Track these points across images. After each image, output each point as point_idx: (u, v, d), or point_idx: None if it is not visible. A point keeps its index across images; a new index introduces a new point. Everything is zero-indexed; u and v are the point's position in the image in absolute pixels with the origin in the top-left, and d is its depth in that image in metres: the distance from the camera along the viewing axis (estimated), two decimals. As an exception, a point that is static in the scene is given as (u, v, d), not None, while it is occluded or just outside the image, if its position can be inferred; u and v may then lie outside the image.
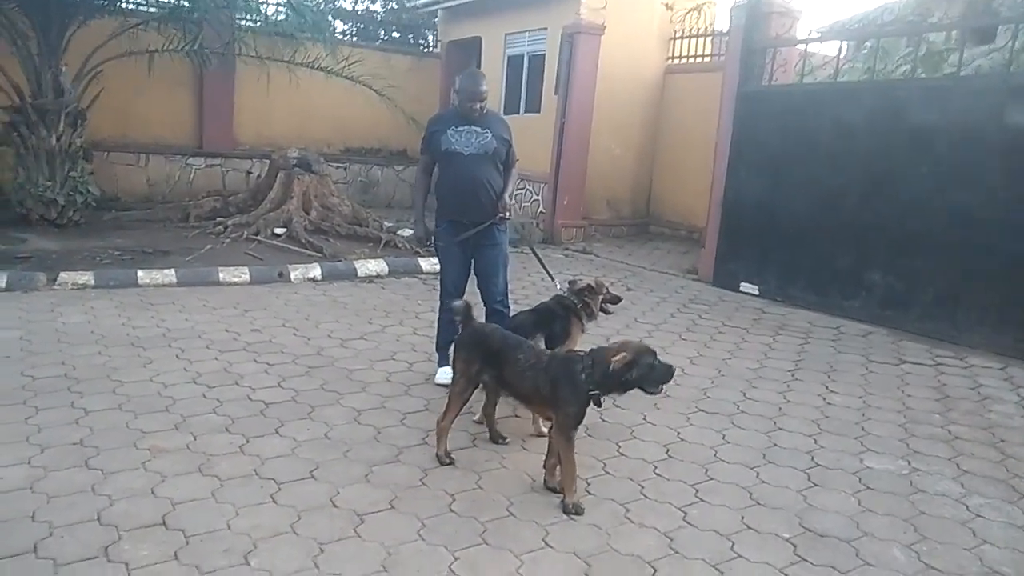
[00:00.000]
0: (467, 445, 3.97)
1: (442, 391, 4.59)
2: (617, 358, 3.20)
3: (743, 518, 3.38)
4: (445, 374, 4.61)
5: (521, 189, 12.07)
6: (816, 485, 3.76)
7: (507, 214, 4.60)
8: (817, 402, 4.92)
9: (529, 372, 3.48)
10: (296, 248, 8.80)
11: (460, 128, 4.54)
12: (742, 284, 8.12)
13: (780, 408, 4.78)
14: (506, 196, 4.63)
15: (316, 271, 7.61)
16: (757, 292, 7.97)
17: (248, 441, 3.82)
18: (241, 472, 3.49)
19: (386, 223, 10.81)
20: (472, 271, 4.81)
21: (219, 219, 9.88)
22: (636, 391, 3.37)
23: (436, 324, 4.96)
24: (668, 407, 4.69)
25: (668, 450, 4.07)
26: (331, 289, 7.29)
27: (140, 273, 6.86)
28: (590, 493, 3.53)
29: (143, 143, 11.77)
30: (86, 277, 6.62)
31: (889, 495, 3.69)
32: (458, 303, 3.86)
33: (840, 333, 6.67)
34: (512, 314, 4.74)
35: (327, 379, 4.79)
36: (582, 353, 3.41)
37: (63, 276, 6.55)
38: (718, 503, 3.51)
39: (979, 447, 4.32)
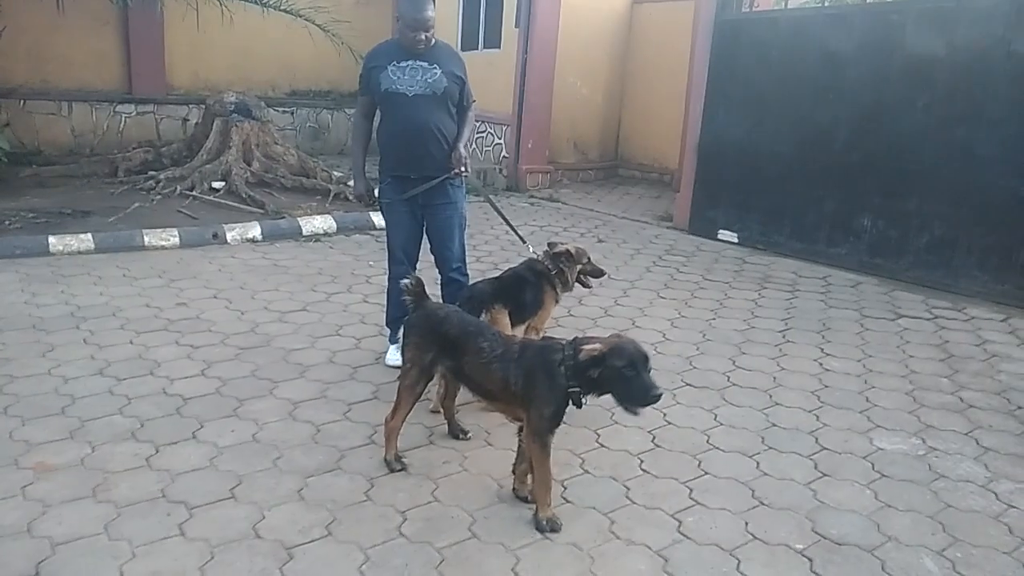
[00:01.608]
0: (422, 443, 3.39)
1: (393, 374, 3.98)
2: (589, 347, 2.62)
3: (747, 525, 2.88)
4: (397, 354, 4.00)
5: (482, 132, 11.29)
6: (825, 475, 3.27)
7: (463, 168, 3.92)
8: (814, 368, 4.43)
9: (496, 364, 2.85)
10: (236, 204, 8.00)
11: (403, 64, 3.81)
12: (720, 231, 7.57)
13: (775, 378, 4.27)
14: (461, 146, 3.94)
15: (255, 231, 6.87)
16: (737, 240, 7.43)
17: (157, 451, 3.19)
18: (144, 494, 2.87)
19: (336, 173, 9.99)
20: (424, 233, 4.15)
21: (151, 173, 8.98)
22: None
23: (386, 294, 4.31)
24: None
25: (654, 437, 3.54)
26: (272, 251, 6.56)
27: (51, 239, 6.06)
28: (567, 500, 2.99)
29: (65, 89, 10.66)
30: (-15, 246, 5.80)
31: (907, 484, 3.22)
32: (406, 280, 3.21)
33: (828, 284, 6.18)
34: (472, 282, 4.10)
35: (260, 363, 4.15)
36: (563, 341, 2.80)
37: (-37, 247, 5.73)
38: (717, 506, 3.00)
39: (996, 417, 3.88)
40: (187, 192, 8.31)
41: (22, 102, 10.26)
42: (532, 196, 10.00)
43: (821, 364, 4.50)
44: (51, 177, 8.98)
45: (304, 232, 7.07)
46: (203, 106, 10.23)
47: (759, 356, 4.59)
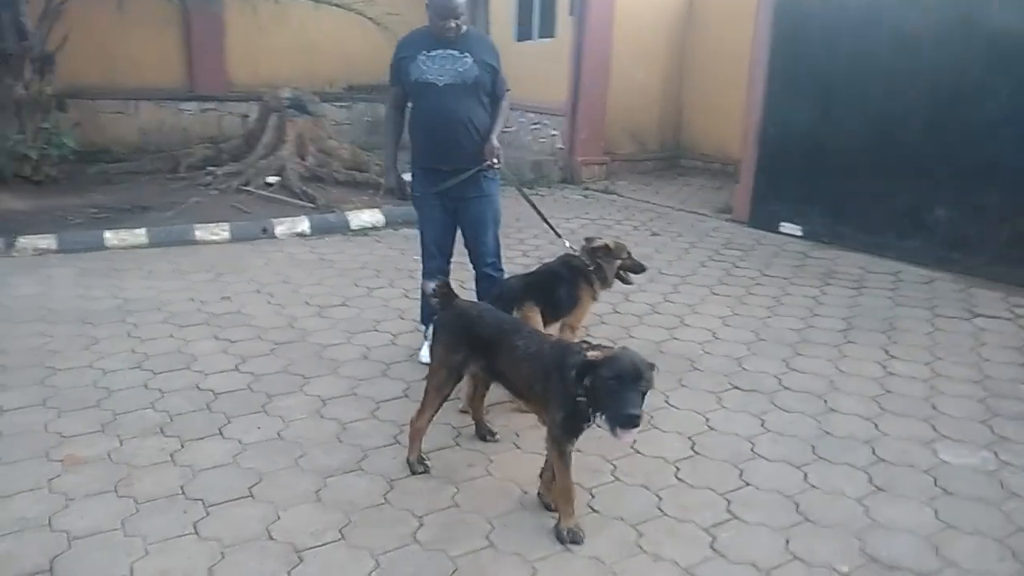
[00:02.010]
0: (447, 444, 3.28)
1: (424, 372, 3.89)
2: (593, 353, 2.46)
3: (788, 543, 2.66)
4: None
5: (537, 124, 11.12)
6: (880, 489, 3.00)
7: (496, 160, 3.78)
8: (876, 372, 4.12)
9: (526, 363, 2.73)
10: (288, 199, 8.07)
11: (433, 53, 3.69)
12: (783, 224, 7.20)
13: (831, 382, 3.99)
14: (493, 137, 3.80)
15: (304, 225, 6.90)
16: (800, 233, 7.06)
17: (183, 446, 3.18)
18: (165, 491, 2.85)
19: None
20: (458, 227, 4.03)
21: (210, 168, 9.18)
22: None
23: (421, 291, 4.21)
24: (696, 384, 3.93)
25: (694, 444, 3.33)
26: (320, 245, 6.57)
27: (107, 234, 6.22)
28: (594, 510, 2.83)
29: (132, 88, 10.98)
30: (48, 241, 6.00)
31: (974, 503, 2.92)
32: (430, 284, 3.10)
33: (898, 280, 5.78)
34: (504, 279, 3.96)
35: (294, 359, 4.12)
36: (584, 345, 2.63)
37: (22, 241, 5.94)
38: (756, 520, 2.78)
39: (1082, 429, 3.51)
40: (242, 187, 8.45)
41: (92, 102, 10.65)
42: (587, 188, 9.78)
43: (884, 367, 4.18)
44: (116, 174, 9.26)
45: (352, 226, 7.07)
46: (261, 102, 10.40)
47: (815, 358, 4.30)
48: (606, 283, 3.93)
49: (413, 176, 3.97)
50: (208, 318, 4.69)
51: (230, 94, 11.64)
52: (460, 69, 3.68)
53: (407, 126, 3.95)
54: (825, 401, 3.76)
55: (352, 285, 5.45)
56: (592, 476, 3.02)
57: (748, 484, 3.03)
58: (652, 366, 2.44)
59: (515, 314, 3.47)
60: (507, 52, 11.88)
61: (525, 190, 4.42)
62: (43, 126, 8.17)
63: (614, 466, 3.13)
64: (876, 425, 3.53)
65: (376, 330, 4.60)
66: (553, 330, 3.81)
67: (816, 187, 6.89)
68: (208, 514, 2.71)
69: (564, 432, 2.57)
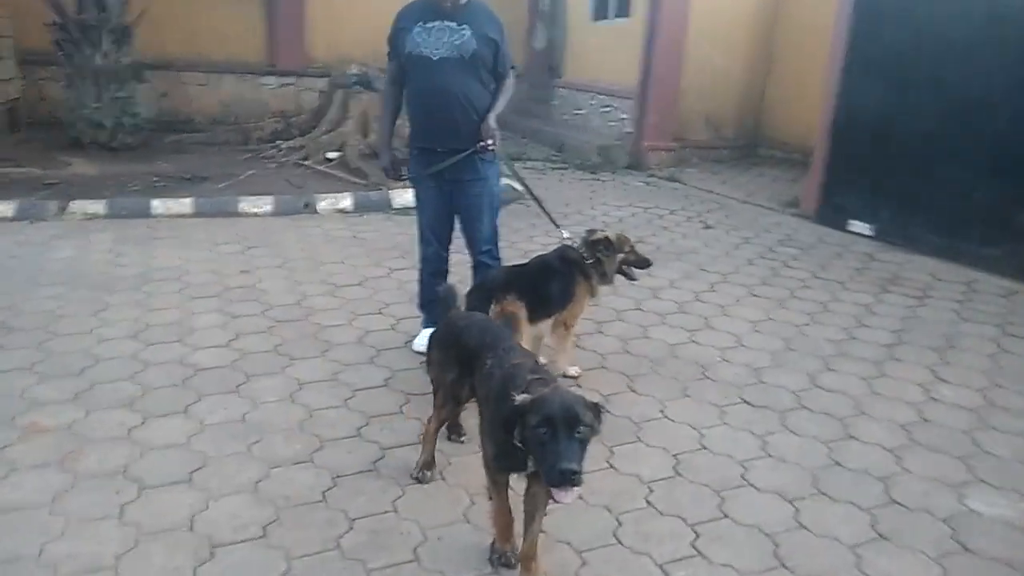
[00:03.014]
0: (410, 440, 3.08)
1: (415, 360, 3.74)
2: (522, 396, 2.04)
3: (752, 593, 2.32)
4: (424, 339, 3.71)
5: (607, 107, 10.72)
6: (882, 537, 2.60)
7: (491, 142, 3.52)
8: (915, 395, 3.64)
9: (481, 384, 2.41)
10: (342, 175, 8.06)
11: (430, 24, 3.46)
12: (851, 222, 6.60)
13: (859, 403, 3.55)
14: (491, 117, 3.54)
15: (347, 202, 6.85)
16: (870, 232, 6.44)
17: (144, 422, 3.13)
18: (107, 468, 2.79)
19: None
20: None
21: (277, 142, 9.33)
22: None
23: (418, 275, 4.03)
24: (701, 394, 3.58)
25: (678, 464, 3.01)
26: (359, 223, 6.50)
27: (155, 202, 6.36)
28: (542, 531, 2.56)
29: (215, 61, 11.30)
30: (97, 206, 6.18)
31: (996, 566, 2.48)
32: (442, 288, 2.92)
33: (970, 291, 5.15)
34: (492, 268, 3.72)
35: (288, 338, 4.03)
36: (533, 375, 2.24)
37: (74, 205, 6.15)
38: (722, 560, 2.46)
39: None
40: (300, 162, 8.52)
41: (178, 73, 11.03)
42: (652, 175, 9.34)
43: (927, 391, 3.69)
44: (190, 144, 9.55)
45: (394, 205, 6.96)
46: (333, 78, 10.47)
47: (848, 374, 3.84)
48: (606, 279, 3.62)
49: (410, 156, 3.77)
50: (221, 291, 4.68)
51: (308, 69, 11.79)
52: (456, 42, 3.44)
53: (405, 103, 3.74)
54: (845, 426, 3.34)
55: (374, 265, 5.34)
56: (551, 491, 2.75)
57: (726, 516, 2.69)
58: (595, 408, 2.02)
59: (494, 308, 3.23)
60: (581, 32, 11.57)
61: (518, 173, 4.09)
62: (118, 95, 8.46)
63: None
64: (899, 459, 3.09)
65: (381, 313, 4.46)
66: (544, 327, 3.57)
67: (889, 181, 6.26)
68: (139, 497, 2.63)
69: (493, 464, 2.25)
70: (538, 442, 1.93)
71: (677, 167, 9.78)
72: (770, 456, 3.08)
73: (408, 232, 6.12)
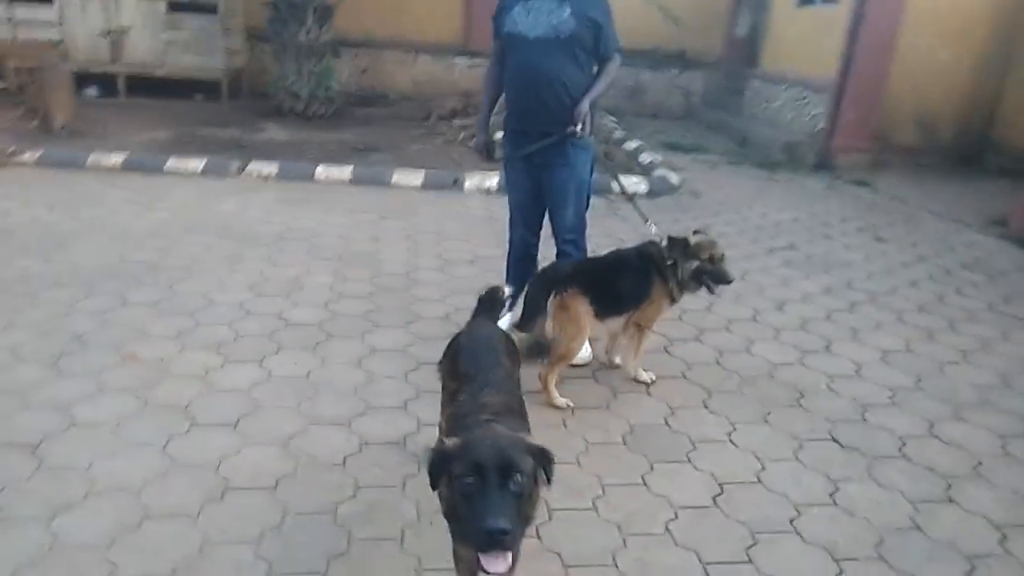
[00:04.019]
0: (412, 430, 3.03)
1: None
2: (450, 441, 1.74)
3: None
4: (506, 323, 3.66)
5: (802, 99, 9.86)
6: (938, 624, 2.15)
7: (579, 128, 3.34)
8: (1060, 466, 2.97)
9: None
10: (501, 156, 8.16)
11: (531, 3, 3.35)
12: (1064, 250, 5.52)
13: (978, 463, 2.98)
14: (585, 101, 3.36)
15: (492, 181, 6.92)
16: (1086, 265, 5.34)
17: (222, 365, 3.39)
18: (173, 402, 3.06)
19: (618, 134, 9.66)
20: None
21: (455, 120, 9.68)
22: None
23: (507, 252, 3.97)
24: (784, 423, 3.20)
25: (720, 494, 2.70)
26: (499, 203, 6.49)
27: (319, 168, 6.85)
28: (533, 536, 2.43)
29: (414, 41, 11.93)
30: (270, 168, 6.79)
31: None
32: (491, 287, 2.76)
33: None
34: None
35: (381, 306, 4.17)
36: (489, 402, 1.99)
37: (252, 166, 6.80)
38: (721, 610, 2.17)
39: None
40: (468, 139, 8.75)
41: (379, 51, 11.80)
42: (838, 177, 8.47)
43: (1082, 462, 2.99)
44: (378, 117, 10.19)
45: (538, 188, 6.92)
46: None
47: (981, 427, 3.23)
48: (683, 285, 3.31)
49: (504, 137, 3.71)
50: (343, 255, 4.94)
51: (498, 50, 12.07)
52: (554, 22, 3.30)
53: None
54: (948, 486, 2.81)
55: (494, 245, 5.32)
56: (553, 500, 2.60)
57: (750, 562, 2.37)
58: (540, 453, 1.72)
59: (553, 300, 3.09)
60: (784, 18, 10.73)
61: (616, 173, 3.82)
62: (315, 69, 9.22)
63: (592, 499, 2.66)
64: (1004, 538, 2.54)
65: (477, 293, 4.45)
66: (614, 326, 3.37)
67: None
68: (187, 432, 2.86)
69: (453, 532, 1.80)
70: (463, 495, 1.61)
71: (871, 171, 8.78)
72: (835, 505, 2.67)
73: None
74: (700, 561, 2.36)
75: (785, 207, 6.94)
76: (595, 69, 3.47)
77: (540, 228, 3.81)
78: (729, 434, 3.09)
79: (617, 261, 3.34)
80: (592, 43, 3.36)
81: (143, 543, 2.28)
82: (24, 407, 2.94)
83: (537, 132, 3.47)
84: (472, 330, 2.49)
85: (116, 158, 6.64)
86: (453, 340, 2.48)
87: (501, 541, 1.54)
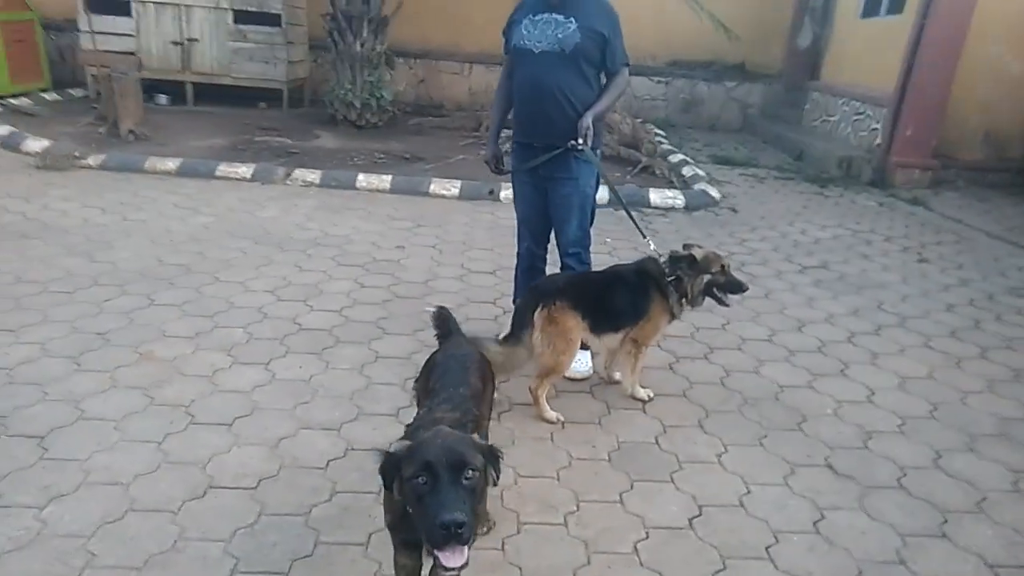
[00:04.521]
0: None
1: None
2: (399, 443, 1.77)
3: None
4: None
5: (860, 115, 9.56)
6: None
7: (582, 141, 3.35)
8: (1074, 508, 2.79)
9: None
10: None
11: (538, 17, 3.39)
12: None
13: (982, 499, 2.84)
14: (588, 115, 3.37)
15: (528, 192, 6.95)
16: None
17: (230, 366, 3.53)
18: (177, 400, 3.20)
19: (664, 146, 9.55)
20: (553, 209, 3.71)
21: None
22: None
23: (516, 266, 4.00)
24: (779, 447, 3.13)
25: (698, 516, 2.66)
26: (533, 213, 6.57)
27: (360, 177, 7.03)
28: (496, 548, 2.45)
29: (471, 52, 12.09)
30: (314, 175, 7.00)
31: None
32: (431, 309, 2.85)
33: None
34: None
35: (394, 312, 4.26)
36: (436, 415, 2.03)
37: (297, 172, 7.03)
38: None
39: None
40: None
41: (436, 62, 12.02)
42: (893, 195, 8.16)
43: (1100, 505, 2.81)
44: (428, 127, 10.38)
45: (574, 199, 6.91)
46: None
47: (993, 461, 3.08)
48: (692, 300, 3.27)
49: (512, 150, 3.74)
50: (367, 262, 5.06)
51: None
52: (560, 35, 3.32)
53: (514, 97, 3.70)
54: (944, 521, 2.69)
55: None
56: (506, 522, 2.60)
57: (713, 588, 2.32)
58: (489, 451, 1.77)
59: (540, 314, 3.10)
60: (847, 29, 10.44)
61: (610, 182, 3.74)
62: (369, 79, 9.47)
63: (542, 518, 2.65)
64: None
65: (495, 304, 4.52)
66: (610, 343, 3.35)
67: None
68: (184, 430, 2.99)
69: (393, 541, 1.94)
70: (416, 496, 1.64)
71: (932, 188, 8.44)
72: (817, 534, 2.59)
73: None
74: (656, 587, 2.33)
75: (828, 224, 6.73)
76: (598, 82, 3.47)
77: (547, 241, 3.83)
78: (719, 456, 3.03)
79: (614, 277, 3.33)
80: (599, 57, 3.37)
81: (123, 534, 2.40)
82: (40, 399, 3.13)
83: (542, 145, 3.49)
84: (448, 349, 2.52)
85: (171, 163, 6.97)
86: (429, 358, 2.52)
87: (458, 534, 1.57)
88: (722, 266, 3.26)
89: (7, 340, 3.62)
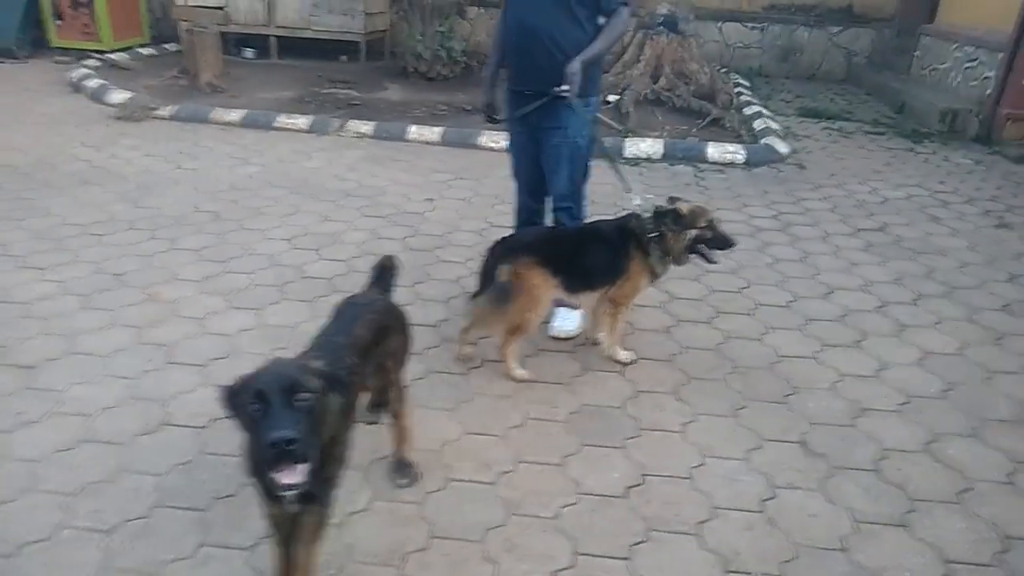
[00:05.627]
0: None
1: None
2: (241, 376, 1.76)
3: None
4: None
5: (973, 62, 8.59)
6: None
7: (566, 87, 3.15)
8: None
9: None
10: (606, 120, 7.91)
11: (528, -43, 3.20)
12: None
13: (969, 488, 2.54)
14: (577, 60, 3.15)
15: (578, 145, 6.73)
16: None
17: (225, 311, 3.66)
18: (164, 340, 3.36)
19: (744, 97, 8.98)
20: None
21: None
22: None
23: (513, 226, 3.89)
24: (754, 419, 2.93)
25: (638, 485, 2.53)
26: (579, 167, 6.37)
27: (411, 129, 7.03)
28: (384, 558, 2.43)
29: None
30: (367, 127, 7.07)
31: None
32: (382, 259, 2.75)
33: None
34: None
35: (401, 265, 4.24)
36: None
37: (351, 124, 7.12)
38: (562, 604, 2.05)
39: None
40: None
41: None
42: (997, 151, 7.33)
43: (1116, 508, 2.45)
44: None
45: (626, 154, 6.65)
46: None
47: (996, 449, 2.76)
48: (675, 258, 3.08)
49: (506, 98, 3.60)
50: (392, 213, 5.09)
51: (643, 8, 11.58)
52: (547, -24, 3.13)
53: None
54: (912, 510, 2.43)
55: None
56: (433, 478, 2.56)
57: (627, 559, 2.21)
58: (329, 375, 1.77)
59: (504, 271, 3.00)
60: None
61: (598, 135, 3.48)
62: (440, 29, 9.40)
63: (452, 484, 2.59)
64: (948, 579, 2.16)
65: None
66: (586, 301, 3.21)
67: None
68: (159, 370, 3.13)
69: (257, 490, 1.84)
70: (252, 424, 1.65)
71: (1043, 145, 7.50)
72: (761, 513, 2.41)
73: (608, 182, 5.89)
74: (573, 551, 2.24)
75: (905, 184, 6.14)
76: (592, 25, 3.25)
77: (544, 194, 3.68)
78: (685, 424, 2.87)
79: (589, 234, 3.17)
80: (593, -5, 3.15)
81: (71, 462, 2.56)
82: (43, 333, 3.37)
83: (532, 93, 3.34)
84: (354, 297, 2.48)
85: (235, 114, 7.23)
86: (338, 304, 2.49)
87: (290, 452, 1.58)
88: (709, 221, 3.03)
89: (34, 277, 3.90)
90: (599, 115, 3.53)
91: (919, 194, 5.87)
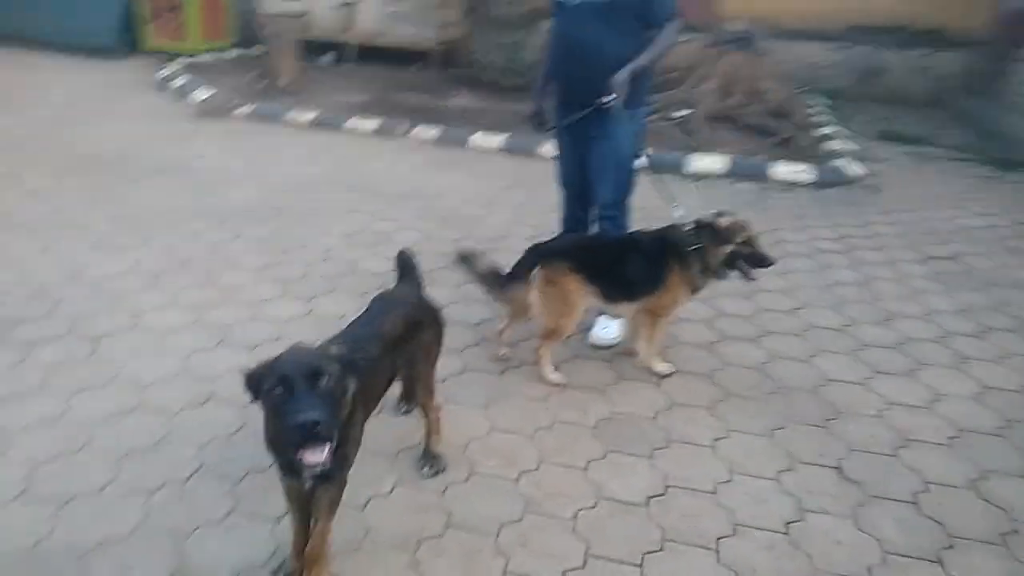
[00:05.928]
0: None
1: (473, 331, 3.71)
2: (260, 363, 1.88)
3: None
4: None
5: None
6: None
7: (611, 98, 3.15)
8: None
9: None
10: (676, 135, 7.86)
11: (574, -31, 3.24)
12: None
13: (1009, 533, 2.40)
14: (625, 71, 3.15)
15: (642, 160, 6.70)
16: None
17: (278, 299, 3.80)
18: (218, 322, 3.52)
19: (822, 117, 8.76)
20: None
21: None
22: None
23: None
24: (790, 441, 2.86)
25: (660, 496, 2.50)
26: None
27: (474, 136, 7.13)
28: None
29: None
30: (432, 132, 7.21)
31: None
32: (399, 254, 2.82)
33: None
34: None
35: (430, 266, 4.30)
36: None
37: (417, 129, 7.28)
38: None
39: None
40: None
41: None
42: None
43: None
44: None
45: (686, 170, 6.59)
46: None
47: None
48: (714, 272, 3.04)
49: (555, 108, 3.64)
50: (447, 216, 5.17)
51: (716, 25, 11.46)
52: (595, -14, 3.16)
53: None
54: (951, 546, 2.31)
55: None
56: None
57: (638, 567, 2.19)
58: (347, 362, 1.85)
59: (535, 276, 3.02)
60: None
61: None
62: (509, 41, 9.53)
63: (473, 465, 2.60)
64: None
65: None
66: (623, 311, 3.20)
67: None
68: (213, 349, 3.28)
69: (276, 464, 1.98)
70: (276, 408, 1.76)
71: None
72: (785, 534, 2.35)
73: (653, 197, 5.84)
74: (586, 552, 2.24)
75: (986, 213, 5.86)
76: (640, 37, 3.24)
77: (590, 203, 3.69)
78: (716, 440, 2.82)
79: (628, 244, 3.16)
80: (638, 8, 3.16)
81: (123, 428, 2.74)
82: (111, 308, 3.57)
83: (578, 103, 3.36)
84: (385, 293, 2.55)
85: (308, 116, 7.50)
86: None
87: (315, 433, 1.67)
88: (747, 237, 2.99)
89: (109, 256, 4.15)
90: (646, 124, 3.50)
91: (1000, 224, 5.59)
